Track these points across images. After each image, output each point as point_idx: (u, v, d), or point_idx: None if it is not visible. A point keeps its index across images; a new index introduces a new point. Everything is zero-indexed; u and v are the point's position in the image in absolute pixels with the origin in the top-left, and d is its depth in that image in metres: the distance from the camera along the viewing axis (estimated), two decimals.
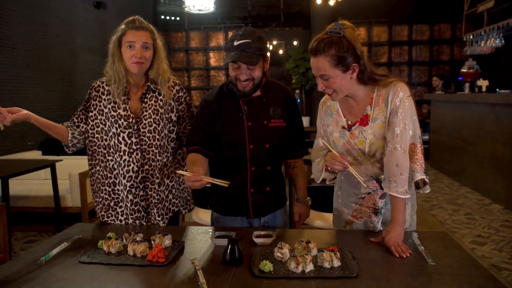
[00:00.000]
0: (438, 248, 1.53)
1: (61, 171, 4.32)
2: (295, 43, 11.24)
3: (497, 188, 5.10)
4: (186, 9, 7.44)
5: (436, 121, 7.24)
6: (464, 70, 6.60)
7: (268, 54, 1.88)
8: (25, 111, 1.81)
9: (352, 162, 1.71)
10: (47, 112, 6.60)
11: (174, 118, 2.00)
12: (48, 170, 4.07)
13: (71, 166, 4.50)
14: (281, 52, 15.51)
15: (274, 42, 13.81)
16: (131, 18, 1.87)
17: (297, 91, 11.02)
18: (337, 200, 1.89)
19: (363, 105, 1.67)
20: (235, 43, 1.72)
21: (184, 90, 2.06)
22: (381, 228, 1.72)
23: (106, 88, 1.93)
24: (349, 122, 1.69)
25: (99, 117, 1.94)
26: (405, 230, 1.67)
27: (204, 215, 3.24)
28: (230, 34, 10.81)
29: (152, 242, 1.57)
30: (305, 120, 10.59)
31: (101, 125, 1.94)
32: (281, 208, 2.01)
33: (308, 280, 1.29)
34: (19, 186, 4.59)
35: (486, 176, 5.39)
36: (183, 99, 2.03)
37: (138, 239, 1.57)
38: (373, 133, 1.63)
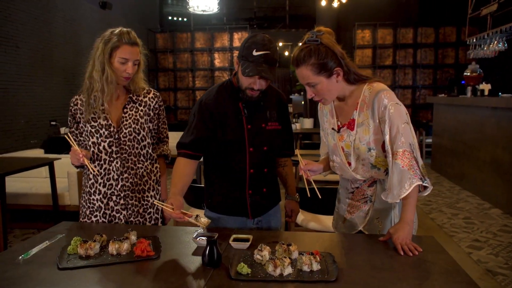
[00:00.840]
0: (423, 252, 1.51)
1: (60, 169, 4.35)
2: (300, 44, 11.23)
3: (497, 193, 5.06)
4: (190, 9, 7.46)
5: (438, 124, 7.20)
6: (467, 73, 6.55)
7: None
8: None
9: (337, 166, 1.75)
10: (50, 111, 6.67)
11: (151, 128, 2.06)
12: (48, 168, 4.10)
13: (70, 164, 4.50)
14: (286, 53, 15.50)
15: (280, 44, 13.81)
16: (125, 30, 1.87)
17: (302, 93, 11.01)
18: (338, 198, 1.94)
19: (351, 107, 1.69)
20: (255, 53, 1.70)
21: (161, 100, 2.11)
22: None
23: (84, 99, 1.95)
24: (339, 123, 1.73)
25: (84, 129, 1.97)
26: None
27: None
28: (235, 35, 10.91)
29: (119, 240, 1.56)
30: (309, 122, 10.54)
31: (86, 137, 1.98)
32: (274, 206, 2.05)
33: (286, 283, 1.28)
34: (19, 183, 4.64)
35: (486, 180, 5.34)
36: (160, 111, 2.10)
37: (115, 237, 1.58)
38: (359, 138, 1.65)
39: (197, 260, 1.46)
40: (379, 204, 1.73)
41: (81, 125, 1.97)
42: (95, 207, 1.98)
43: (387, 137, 1.59)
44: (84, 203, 2.02)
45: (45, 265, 1.44)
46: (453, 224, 4.45)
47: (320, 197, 1.72)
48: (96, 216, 1.98)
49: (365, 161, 1.67)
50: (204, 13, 7.41)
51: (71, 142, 1.86)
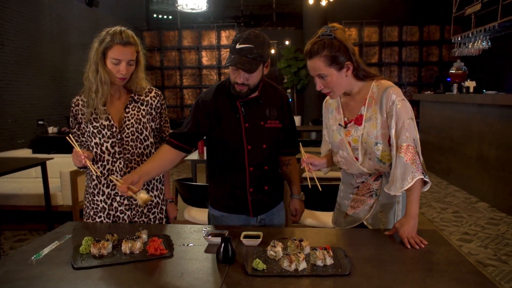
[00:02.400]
0: (428, 245, 1.57)
1: (51, 169, 4.31)
2: (287, 42, 11.27)
3: (483, 187, 5.20)
4: (179, 7, 7.43)
5: (425, 121, 7.34)
6: (452, 71, 6.69)
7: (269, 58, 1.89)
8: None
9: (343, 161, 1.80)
10: (38, 110, 6.57)
11: (154, 127, 2.05)
12: (39, 168, 4.06)
13: (62, 164, 4.49)
14: (273, 51, 15.54)
15: None
16: (118, 29, 1.84)
17: (289, 90, 11.06)
18: (339, 194, 1.97)
19: (358, 103, 1.75)
20: (237, 46, 1.74)
21: (162, 98, 2.10)
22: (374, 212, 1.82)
23: (85, 100, 1.94)
24: (345, 119, 1.78)
25: (86, 129, 1.96)
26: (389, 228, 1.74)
27: (196, 213, 3.27)
28: (223, 33, 10.89)
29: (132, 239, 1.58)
30: (297, 120, 10.61)
31: (88, 138, 1.96)
32: (277, 205, 2.06)
33: (301, 278, 1.32)
34: (9, 184, 4.58)
35: (473, 175, 5.49)
36: (162, 109, 2.08)
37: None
38: (367, 133, 1.71)
39: (210, 257, 1.49)
40: (383, 198, 1.79)
41: (82, 125, 1.96)
42: (99, 207, 1.97)
43: (393, 131, 1.64)
44: (88, 204, 2.01)
45: (59, 265, 1.44)
46: (443, 218, 4.56)
47: (320, 189, 1.76)
48: (100, 217, 1.98)
49: (372, 155, 1.72)
50: (193, 11, 7.38)
51: (72, 144, 1.84)
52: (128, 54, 1.84)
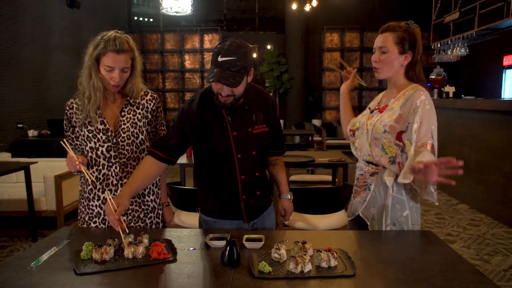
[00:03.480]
0: (424, 245, 1.62)
1: (33, 173, 4.21)
2: (269, 47, 11.35)
3: (463, 189, 5.35)
4: (163, 10, 7.38)
5: None
6: (432, 76, 6.86)
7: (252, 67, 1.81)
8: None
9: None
10: (17, 113, 6.41)
11: (149, 130, 2.03)
12: (20, 173, 3.96)
13: (45, 168, 4.39)
14: (255, 55, 15.58)
15: None
16: (112, 35, 1.79)
17: (271, 94, 11.12)
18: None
19: (391, 97, 1.85)
20: (219, 59, 1.65)
21: (158, 101, 2.07)
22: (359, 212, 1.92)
23: (79, 103, 1.90)
24: (376, 107, 1.90)
25: (80, 133, 1.93)
26: (385, 230, 1.80)
27: (186, 217, 3.26)
28: (206, 37, 10.87)
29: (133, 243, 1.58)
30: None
31: (83, 142, 1.93)
32: (268, 207, 2.05)
33: (308, 280, 1.33)
34: None
35: (453, 177, 5.62)
36: (158, 112, 2.05)
37: (130, 240, 1.59)
38: (381, 120, 1.79)
39: (215, 261, 1.49)
40: (376, 194, 1.86)
41: (77, 129, 1.92)
42: (94, 213, 1.94)
43: (415, 125, 1.67)
44: (83, 209, 1.97)
45: (60, 271, 1.42)
46: (427, 220, 4.67)
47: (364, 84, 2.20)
48: (95, 222, 1.95)
49: (378, 142, 1.80)
50: (177, 14, 7.36)
51: (67, 148, 1.82)
52: (122, 62, 1.80)
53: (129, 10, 11.79)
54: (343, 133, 2.15)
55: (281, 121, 10.68)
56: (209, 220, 1.98)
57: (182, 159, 4.02)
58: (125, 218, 1.95)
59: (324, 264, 1.41)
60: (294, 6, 8.64)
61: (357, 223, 1.96)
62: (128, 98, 1.95)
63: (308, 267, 1.38)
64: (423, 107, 1.68)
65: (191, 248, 1.62)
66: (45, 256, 1.54)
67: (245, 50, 1.70)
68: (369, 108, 1.95)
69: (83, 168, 1.79)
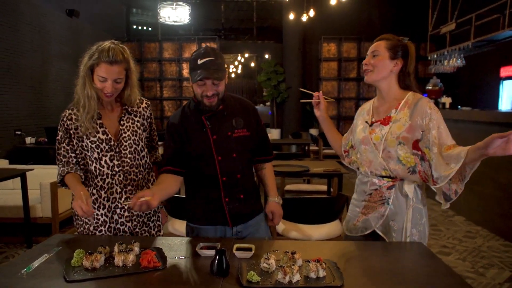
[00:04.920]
0: (415, 257, 1.62)
1: (30, 180, 4.21)
2: (266, 56, 11.41)
3: (459, 201, 5.27)
4: (161, 20, 7.44)
5: None
6: (429, 87, 6.91)
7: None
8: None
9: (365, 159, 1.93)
10: (15, 120, 6.42)
11: (145, 136, 2.08)
12: (17, 179, 3.96)
13: (42, 175, 4.39)
14: (253, 64, 15.65)
15: (246, 55, 13.94)
16: (107, 46, 1.80)
17: (268, 103, 11.17)
18: (352, 203, 2.06)
19: (389, 107, 1.87)
20: (200, 61, 1.78)
21: (151, 108, 2.12)
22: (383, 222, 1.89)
23: (78, 114, 1.91)
24: (373, 119, 1.91)
25: (79, 144, 1.93)
26: (376, 241, 1.82)
27: (179, 226, 3.26)
28: (204, 45, 10.89)
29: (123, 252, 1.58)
30: (276, 133, 10.72)
31: (83, 152, 1.94)
32: (255, 217, 2.04)
33: None
34: None
35: None
36: (151, 119, 2.11)
37: (121, 248, 1.59)
38: (391, 132, 1.81)
39: (204, 270, 1.50)
40: (395, 207, 1.85)
41: (75, 141, 1.92)
42: (100, 221, 1.95)
43: (434, 132, 1.73)
44: (87, 220, 1.96)
45: (51, 278, 1.43)
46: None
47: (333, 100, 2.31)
48: (101, 231, 1.96)
49: (392, 154, 1.81)
50: (175, 23, 7.41)
51: (83, 198, 1.74)
52: (115, 73, 1.81)
53: (127, 19, 11.86)
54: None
55: (278, 130, 10.71)
56: (195, 227, 2.01)
57: None
58: (130, 224, 1.99)
59: (312, 275, 1.41)
60: (291, 16, 8.71)
61: (361, 239, 1.94)
62: (126, 106, 1.98)
63: (297, 277, 1.39)
64: (435, 113, 1.76)
65: (181, 257, 1.63)
66: (36, 263, 1.55)
67: (219, 52, 1.87)
68: (366, 122, 1.93)
69: (94, 215, 1.87)
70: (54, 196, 4.06)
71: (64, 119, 1.93)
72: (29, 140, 6.46)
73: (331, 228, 3.17)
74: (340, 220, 3.25)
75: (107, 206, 1.95)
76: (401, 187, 1.84)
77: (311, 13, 8.26)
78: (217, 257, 1.45)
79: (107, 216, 1.96)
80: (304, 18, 8.34)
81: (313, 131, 10.26)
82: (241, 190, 1.98)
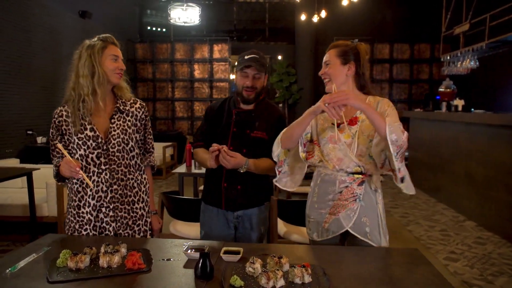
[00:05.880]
0: (408, 264, 1.57)
1: (38, 179, 4.26)
2: (279, 57, 11.37)
3: (470, 206, 5.23)
4: (171, 21, 7.47)
5: (415, 138, 7.40)
6: (441, 89, 6.78)
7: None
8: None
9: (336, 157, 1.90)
10: (27, 120, 6.52)
11: (138, 138, 2.07)
12: (25, 178, 4.01)
13: (49, 175, 4.43)
14: None
15: None
16: (105, 35, 1.97)
17: (280, 105, 11.12)
18: (312, 206, 2.00)
19: (351, 109, 1.87)
20: (246, 57, 2.10)
21: (146, 110, 2.14)
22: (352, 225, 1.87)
23: (69, 110, 1.93)
24: (338, 121, 1.87)
25: (71, 140, 1.94)
26: (374, 246, 1.76)
27: (181, 227, 3.24)
28: (215, 47, 10.96)
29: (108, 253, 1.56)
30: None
31: (75, 148, 1.94)
32: (255, 207, 2.21)
33: None
34: None
35: (461, 193, 5.52)
36: (146, 121, 2.12)
37: (107, 250, 1.57)
38: (362, 131, 1.85)
39: (189, 273, 1.47)
40: (366, 203, 1.86)
41: (66, 137, 1.94)
42: (85, 220, 1.94)
43: (388, 118, 1.73)
44: (72, 218, 1.96)
45: (34, 279, 1.42)
46: (430, 236, 4.56)
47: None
48: (86, 229, 1.94)
49: (363, 151, 1.85)
50: (186, 24, 7.44)
51: (64, 152, 1.81)
52: (120, 53, 1.97)
53: (140, 20, 11.95)
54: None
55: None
56: (204, 207, 2.29)
57: (181, 169, 4.01)
58: (114, 225, 1.96)
59: (297, 280, 1.37)
60: (303, 17, 8.65)
61: (333, 242, 1.91)
62: (118, 105, 1.99)
63: (281, 283, 1.35)
64: (391, 109, 1.83)
65: (168, 259, 1.61)
66: (22, 263, 1.54)
67: (263, 56, 2.18)
68: (333, 123, 1.86)
69: (83, 174, 1.81)
70: (60, 195, 4.09)
71: (56, 116, 1.95)
72: (40, 139, 6.55)
73: None
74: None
75: (92, 205, 1.93)
76: (370, 182, 1.88)
77: (323, 14, 8.19)
78: (201, 260, 1.42)
79: (91, 215, 1.94)
80: (315, 19, 8.26)
81: None
82: (241, 181, 2.14)
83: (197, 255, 1.54)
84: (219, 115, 2.23)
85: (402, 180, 1.78)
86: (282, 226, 3.19)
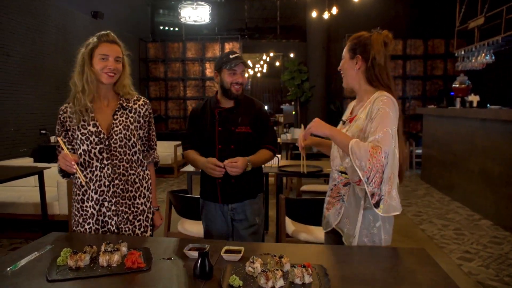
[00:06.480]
0: (413, 264, 1.52)
1: (50, 178, 4.30)
2: (291, 55, 11.30)
3: (486, 204, 5.10)
4: (182, 20, 7.48)
5: (428, 135, 7.27)
6: (455, 85, 6.64)
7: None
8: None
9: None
10: (40, 120, 6.61)
11: (142, 135, 2.09)
12: (37, 177, 4.05)
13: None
14: (277, 64, 15.54)
15: (271, 54, 13.86)
16: (104, 32, 1.96)
17: (293, 103, 11.06)
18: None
19: (361, 106, 1.82)
20: (231, 56, 2.26)
21: (150, 107, 2.15)
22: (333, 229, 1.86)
23: (73, 108, 1.96)
24: (349, 117, 1.88)
25: (74, 136, 1.97)
26: (378, 246, 1.71)
27: (189, 226, 3.24)
28: (227, 45, 10.96)
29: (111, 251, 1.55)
30: (300, 132, 10.59)
31: (78, 144, 1.96)
32: (250, 199, 2.36)
33: None
34: (8, 192, 4.58)
35: (476, 191, 5.39)
36: (150, 118, 2.13)
37: (109, 249, 1.56)
38: (350, 131, 1.77)
39: (188, 272, 1.45)
40: (349, 205, 1.80)
41: (70, 133, 1.97)
42: (88, 214, 1.97)
43: (374, 123, 1.64)
44: (76, 212, 2.00)
45: (34, 277, 1.42)
46: (444, 236, 4.47)
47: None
48: (89, 223, 1.97)
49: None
50: (196, 23, 7.44)
51: (63, 146, 1.83)
52: (115, 51, 1.94)
53: (152, 19, 12.02)
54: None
55: (302, 130, 10.58)
56: (203, 202, 2.45)
57: (190, 167, 4.00)
58: (116, 219, 1.98)
59: (297, 281, 1.34)
60: (314, 14, 8.57)
61: (332, 237, 1.90)
62: (121, 102, 2.01)
63: (280, 283, 1.32)
64: (377, 114, 1.65)
65: (169, 258, 1.59)
66: (23, 262, 1.54)
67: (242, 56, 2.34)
68: (342, 120, 1.92)
69: (77, 168, 1.81)
70: (71, 194, 4.11)
71: (61, 112, 1.99)
72: (53, 139, 6.63)
73: None
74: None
75: (94, 199, 1.96)
76: (354, 186, 1.76)
77: (334, 10, 8.10)
78: (200, 259, 1.40)
79: (94, 209, 1.96)
80: (326, 16, 8.18)
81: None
82: (234, 176, 2.22)
83: (196, 254, 1.53)
84: (202, 117, 2.36)
85: (377, 204, 1.63)
86: (290, 225, 3.16)
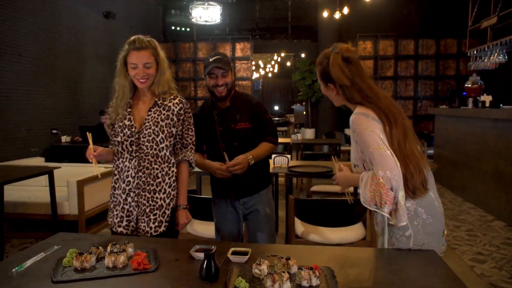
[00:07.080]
0: (423, 267, 1.49)
1: (60, 178, 4.33)
2: (303, 55, 11.25)
3: (499, 205, 5.01)
4: (193, 20, 7.50)
5: (440, 135, 7.18)
6: (468, 85, 6.54)
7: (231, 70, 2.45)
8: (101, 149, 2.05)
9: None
10: (52, 118, 6.67)
11: (175, 133, 2.13)
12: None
13: (70, 173, 4.51)
14: (288, 64, 15.52)
15: (282, 54, 13.84)
16: (132, 38, 2.03)
17: (304, 103, 11.00)
18: None
19: None
20: (210, 60, 2.33)
21: (188, 106, 2.18)
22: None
23: (113, 105, 2.14)
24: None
25: (115, 128, 2.14)
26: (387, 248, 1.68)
27: (198, 226, 3.23)
28: (237, 45, 10.96)
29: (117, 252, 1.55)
30: (311, 132, 10.54)
31: (114, 136, 2.14)
32: (260, 191, 2.50)
33: None
34: (18, 192, 4.61)
35: (489, 192, 5.30)
36: (185, 117, 2.15)
37: (115, 250, 1.56)
38: (352, 152, 1.79)
39: (194, 274, 1.44)
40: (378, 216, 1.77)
41: (115, 125, 2.12)
42: (117, 201, 2.10)
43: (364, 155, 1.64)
44: (111, 198, 2.14)
45: (39, 278, 1.42)
46: (456, 237, 4.40)
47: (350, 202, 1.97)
48: (117, 210, 2.09)
49: (353, 159, 1.79)
50: (207, 23, 7.44)
51: (89, 140, 2.02)
52: (144, 58, 2.00)
53: (164, 20, 12.07)
54: None
55: (313, 130, 10.52)
56: (214, 199, 2.58)
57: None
58: (137, 210, 2.06)
59: (304, 283, 1.32)
60: (325, 14, 8.52)
61: None
62: (157, 99, 2.10)
63: (287, 285, 1.30)
64: (358, 132, 1.63)
65: (176, 259, 1.58)
66: (29, 262, 1.54)
67: (226, 55, 2.41)
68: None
69: (94, 161, 1.99)
70: (81, 194, 4.16)
71: (109, 107, 2.16)
72: (64, 138, 6.69)
73: (353, 231, 3.03)
74: (363, 223, 3.12)
75: (122, 188, 2.07)
76: None
77: (345, 10, 8.05)
78: (206, 261, 1.38)
79: (121, 197, 2.07)
80: (337, 15, 8.13)
81: (348, 131, 10.02)
82: (243, 172, 2.32)
83: (202, 255, 1.51)
84: (202, 120, 2.44)
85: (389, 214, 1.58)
86: (299, 226, 3.13)
